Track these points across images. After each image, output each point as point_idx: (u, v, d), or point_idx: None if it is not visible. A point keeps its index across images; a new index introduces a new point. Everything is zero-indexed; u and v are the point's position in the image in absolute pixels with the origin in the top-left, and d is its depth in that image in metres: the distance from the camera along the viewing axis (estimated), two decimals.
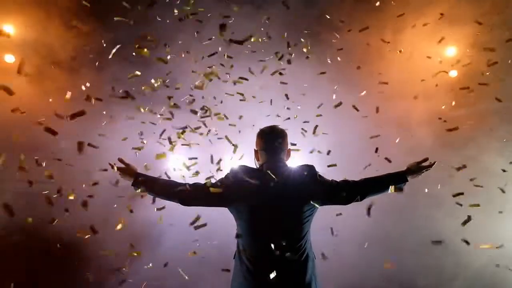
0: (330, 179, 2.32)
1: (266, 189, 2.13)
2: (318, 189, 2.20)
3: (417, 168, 2.41)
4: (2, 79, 4.28)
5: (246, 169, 2.24)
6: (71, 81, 4.33)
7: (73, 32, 4.22)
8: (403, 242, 4.28)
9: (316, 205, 2.21)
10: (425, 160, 2.43)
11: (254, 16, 4.85)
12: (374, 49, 4.74)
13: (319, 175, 2.27)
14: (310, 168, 2.27)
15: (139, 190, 2.23)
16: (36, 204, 3.68)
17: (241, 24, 4.28)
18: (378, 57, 4.73)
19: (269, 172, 2.16)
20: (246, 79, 3.90)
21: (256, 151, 2.39)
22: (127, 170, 2.27)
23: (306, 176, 2.22)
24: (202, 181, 2.28)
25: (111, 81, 4.25)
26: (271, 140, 2.32)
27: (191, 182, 2.28)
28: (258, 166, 2.40)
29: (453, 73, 4.80)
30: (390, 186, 2.32)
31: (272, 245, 2.08)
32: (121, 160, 2.30)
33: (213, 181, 2.29)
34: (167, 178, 2.36)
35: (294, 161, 2.92)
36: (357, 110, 3.95)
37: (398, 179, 2.37)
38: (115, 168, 2.27)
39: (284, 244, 2.07)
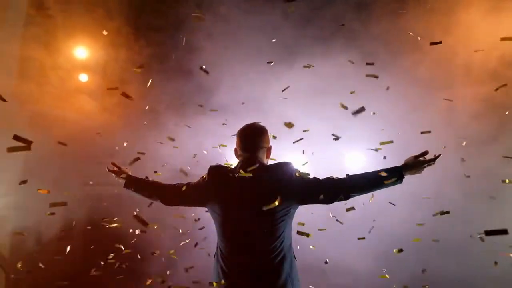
0: (312, 177, 2.18)
1: (238, 188, 2.11)
2: (294, 188, 2.10)
3: (415, 163, 2.14)
4: (76, 96, 4.97)
5: (221, 168, 2.23)
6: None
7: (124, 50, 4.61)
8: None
9: (292, 204, 2.13)
10: (425, 153, 2.16)
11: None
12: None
13: (298, 172, 2.17)
14: (286, 166, 2.17)
15: (131, 190, 2.42)
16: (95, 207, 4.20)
17: None
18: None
19: (241, 171, 2.13)
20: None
21: (235, 150, 2.36)
22: (119, 173, 2.47)
23: (282, 174, 2.13)
24: None
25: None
26: (247, 138, 2.29)
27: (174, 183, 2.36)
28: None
29: None
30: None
31: (244, 245, 2.06)
32: (114, 164, 2.50)
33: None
34: (154, 180, 2.45)
35: None
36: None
37: (391, 177, 2.11)
38: (114, 170, 2.49)
39: (256, 244, 2.04)
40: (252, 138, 2.27)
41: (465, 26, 4.41)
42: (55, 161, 4.42)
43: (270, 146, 2.36)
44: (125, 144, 3.84)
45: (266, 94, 4.56)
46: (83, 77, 5.19)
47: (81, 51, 4.99)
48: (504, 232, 2.11)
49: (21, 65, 4.47)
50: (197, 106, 4.28)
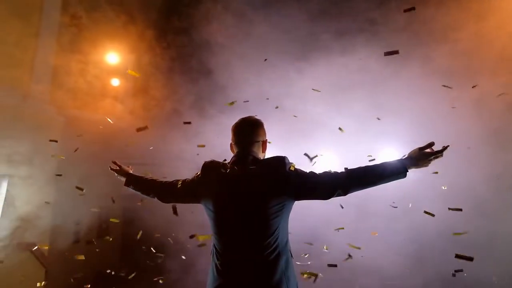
0: (308, 171, 2.04)
1: (230, 184, 2.02)
2: (288, 183, 1.98)
3: (420, 156, 1.94)
4: (106, 100, 5.21)
5: (213, 164, 2.14)
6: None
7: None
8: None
9: (287, 200, 2.01)
10: (431, 145, 1.96)
11: None
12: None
13: (293, 167, 2.04)
14: (280, 160, 2.05)
15: (130, 188, 2.43)
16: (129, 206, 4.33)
17: None
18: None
19: (234, 166, 2.04)
20: None
21: (231, 145, 2.26)
22: (120, 171, 2.48)
23: (275, 168, 2.01)
24: None
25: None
26: (240, 133, 2.19)
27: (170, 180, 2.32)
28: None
29: None
30: None
31: (237, 242, 1.97)
32: (115, 162, 2.51)
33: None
34: (153, 178, 2.42)
35: None
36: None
37: (393, 170, 1.93)
38: (115, 168, 2.50)
39: (249, 241, 1.95)
40: (246, 132, 2.17)
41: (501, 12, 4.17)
42: (88, 161, 4.62)
43: (266, 140, 2.24)
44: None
45: (287, 91, 4.53)
46: (115, 82, 5.44)
47: (111, 56, 5.21)
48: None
49: (55, 72, 4.74)
50: (219, 105, 4.33)
